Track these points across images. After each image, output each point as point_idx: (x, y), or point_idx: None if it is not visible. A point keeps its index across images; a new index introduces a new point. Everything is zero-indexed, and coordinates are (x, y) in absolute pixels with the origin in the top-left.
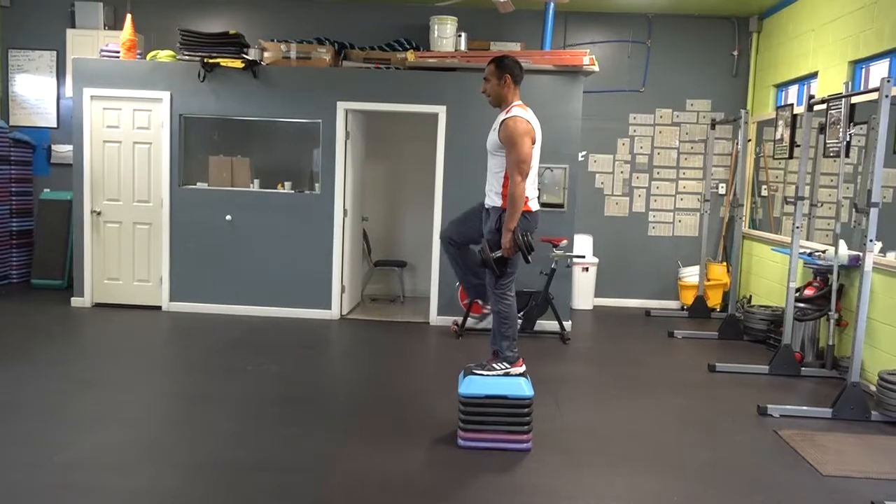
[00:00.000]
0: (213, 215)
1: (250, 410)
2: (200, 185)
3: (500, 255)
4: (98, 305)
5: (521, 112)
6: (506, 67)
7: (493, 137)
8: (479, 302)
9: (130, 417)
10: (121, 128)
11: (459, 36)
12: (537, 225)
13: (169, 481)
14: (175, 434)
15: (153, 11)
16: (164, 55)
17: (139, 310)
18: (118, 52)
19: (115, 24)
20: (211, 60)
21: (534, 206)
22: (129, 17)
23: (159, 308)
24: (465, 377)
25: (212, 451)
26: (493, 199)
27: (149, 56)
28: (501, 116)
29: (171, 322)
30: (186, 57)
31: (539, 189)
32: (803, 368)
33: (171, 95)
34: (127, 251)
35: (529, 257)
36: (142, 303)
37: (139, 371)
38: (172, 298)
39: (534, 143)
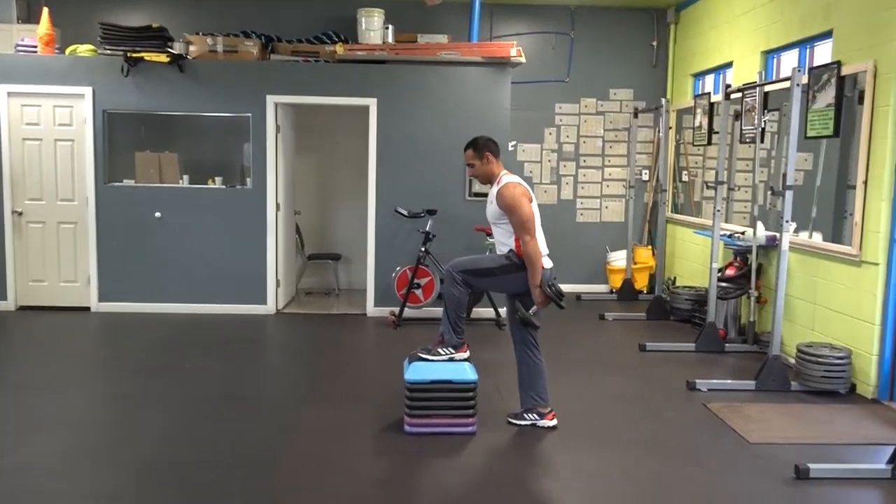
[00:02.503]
0: (142, 212)
1: (190, 408)
2: (127, 182)
3: (535, 309)
4: (23, 308)
5: (511, 178)
6: (483, 147)
7: (492, 209)
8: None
9: (67, 420)
10: (41, 125)
11: (387, 28)
12: (550, 282)
13: (111, 482)
14: (114, 435)
15: (70, 4)
16: (84, 49)
17: (67, 311)
18: (35, 46)
19: (28, 17)
20: (134, 55)
21: (546, 263)
22: (45, 10)
23: (88, 309)
24: (410, 363)
25: (153, 450)
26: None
27: (68, 51)
28: (494, 189)
29: (101, 322)
30: (108, 51)
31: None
32: (727, 344)
33: (94, 91)
34: (52, 251)
35: (562, 302)
36: (69, 304)
37: (72, 373)
38: (102, 299)
39: (531, 201)
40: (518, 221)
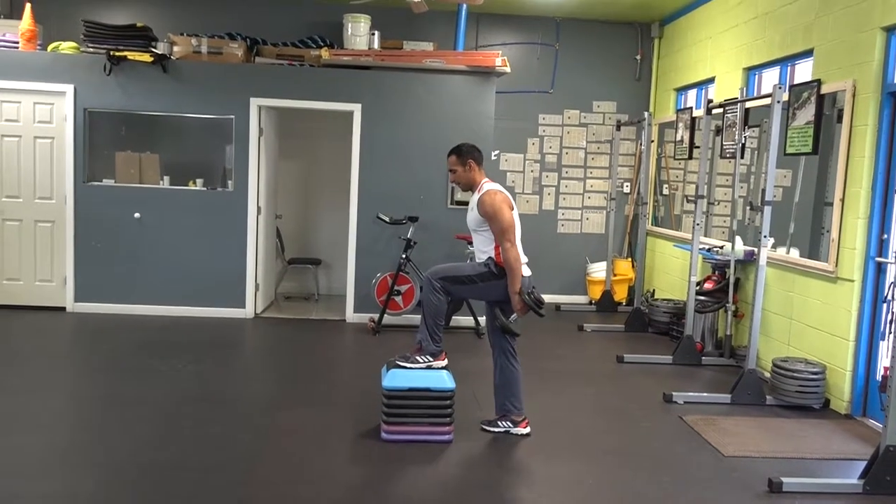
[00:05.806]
0: (121, 213)
1: (168, 411)
2: (107, 182)
3: (515, 317)
4: None
5: (492, 186)
6: (467, 154)
7: (472, 216)
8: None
9: (43, 421)
10: (21, 122)
11: (373, 34)
12: (530, 290)
13: (88, 484)
14: (91, 437)
15: (53, 1)
16: (66, 47)
17: (42, 311)
18: (17, 42)
19: (10, 13)
20: (117, 53)
21: (525, 271)
22: (28, 6)
23: (63, 309)
24: (388, 370)
25: (130, 452)
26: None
27: (50, 47)
28: (476, 196)
29: (77, 323)
30: (91, 49)
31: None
32: (704, 358)
33: (75, 89)
34: (28, 250)
35: (542, 311)
36: (45, 304)
37: (47, 374)
38: (78, 299)
39: (511, 209)
40: (499, 229)
